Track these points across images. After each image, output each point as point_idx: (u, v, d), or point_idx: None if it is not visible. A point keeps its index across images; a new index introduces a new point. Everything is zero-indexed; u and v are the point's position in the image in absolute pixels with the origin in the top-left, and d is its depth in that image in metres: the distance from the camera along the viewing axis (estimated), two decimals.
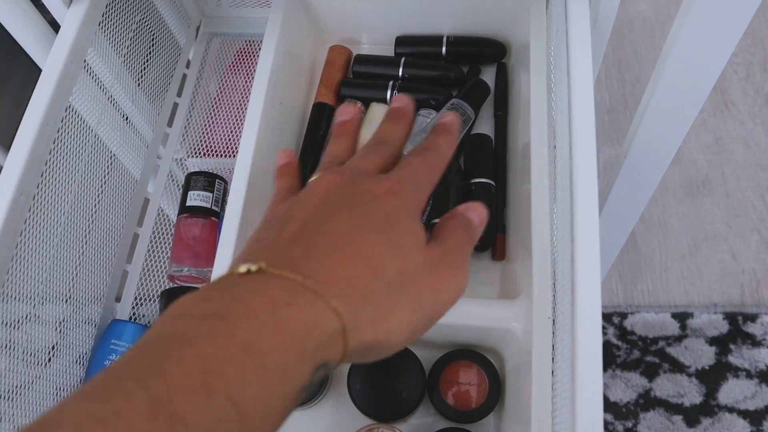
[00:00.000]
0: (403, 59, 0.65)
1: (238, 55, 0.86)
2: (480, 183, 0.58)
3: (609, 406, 0.93)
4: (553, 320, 0.47)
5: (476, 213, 0.36)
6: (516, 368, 0.51)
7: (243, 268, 0.27)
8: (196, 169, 0.66)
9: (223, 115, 0.81)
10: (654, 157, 0.65)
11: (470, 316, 0.51)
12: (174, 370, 0.21)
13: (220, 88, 0.84)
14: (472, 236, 0.35)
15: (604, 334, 0.98)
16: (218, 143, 0.78)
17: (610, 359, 0.96)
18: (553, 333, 0.47)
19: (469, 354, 0.53)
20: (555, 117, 0.54)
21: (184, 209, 0.63)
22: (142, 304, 0.70)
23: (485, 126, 0.65)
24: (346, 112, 0.43)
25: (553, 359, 0.46)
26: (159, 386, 0.21)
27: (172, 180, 0.78)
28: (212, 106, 0.82)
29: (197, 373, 0.21)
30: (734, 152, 1.17)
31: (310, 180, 0.35)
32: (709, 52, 0.49)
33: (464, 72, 0.66)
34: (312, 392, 0.52)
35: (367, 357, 0.29)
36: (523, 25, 0.62)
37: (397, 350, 0.30)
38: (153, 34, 0.70)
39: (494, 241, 0.57)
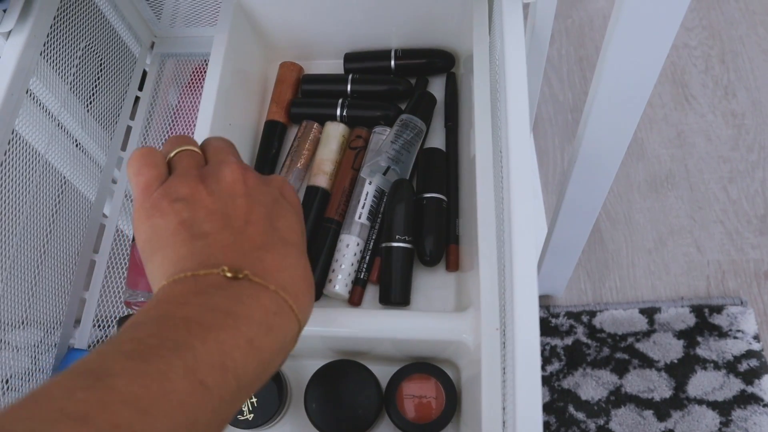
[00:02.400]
0: (350, 76, 0.66)
1: (194, 75, 0.85)
2: (431, 198, 0.58)
3: (581, 404, 0.93)
4: (503, 330, 0.48)
5: None
6: (470, 379, 0.51)
7: (229, 273, 0.31)
8: None
9: None
10: (606, 152, 0.65)
11: (422, 329, 0.51)
12: (200, 348, 0.27)
13: (176, 108, 0.83)
14: None
15: (574, 333, 0.98)
16: None
17: (580, 358, 0.96)
18: (503, 343, 0.47)
19: (424, 367, 0.53)
20: (500, 125, 0.55)
21: None
22: (101, 329, 0.69)
23: (438, 136, 0.65)
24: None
25: (504, 369, 0.46)
26: (190, 358, 0.26)
27: (132, 202, 0.78)
28: (169, 126, 0.81)
29: (217, 353, 0.27)
30: (696, 145, 1.18)
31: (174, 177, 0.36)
32: (648, 41, 0.49)
33: (412, 84, 0.66)
34: (270, 411, 0.52)
35: None
36: (468, 35, 0.62)
37: None
38: (101, 59, 0.70)
39: (447, 253, 0.58)
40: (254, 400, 0.52)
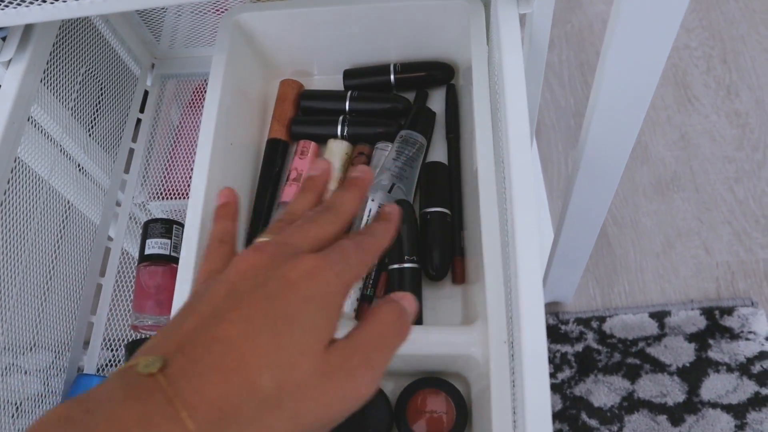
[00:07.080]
0: (349, 93, 0.65)
1: (195, 94, 0.86)
2: (435, 212, 0.58)
3: (593, 411, 0.93)
4: (511, 342, 0.47)
5: (409, 302, 0.33)
6: (480, 393, 0.51)
7: (144, 368, 0.26)
8: (159, 213, 0.66)
9: (183, 156, 0.80)
10: (610, 156, 0.65)
11: (430, 344, 0.51)
12: None
13: (178, 128, 0.84)
14: (403, 329, 0.32)
15: (584, 339, 0.98)
16: (179, 185, 0.78)
17: (591, 364, 0.96)
18: (512, 356, 0.47)
19: (434, 381, 0.52)
20: (501, 136, 0.55)
21: (143, 258, 0.62)
22: (111, 350, 0.69)
23: (440, 148, 0.65)
24: (317, 168, 0.41)
25: (513, 382, 0.46)
26: None
27: (136, 224, 0.78)
28: (172, 147, 0.82)
29: None
30: (700, 146, 1.18)
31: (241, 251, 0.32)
32: (648, 43, 0.49)
33: (410, 101, 0.66)
34: None
35: None
36: (466, 47, 0.62)
37: None
38: (101, 83, 0.70)
39: (453, 265, 0.58)
40: None
